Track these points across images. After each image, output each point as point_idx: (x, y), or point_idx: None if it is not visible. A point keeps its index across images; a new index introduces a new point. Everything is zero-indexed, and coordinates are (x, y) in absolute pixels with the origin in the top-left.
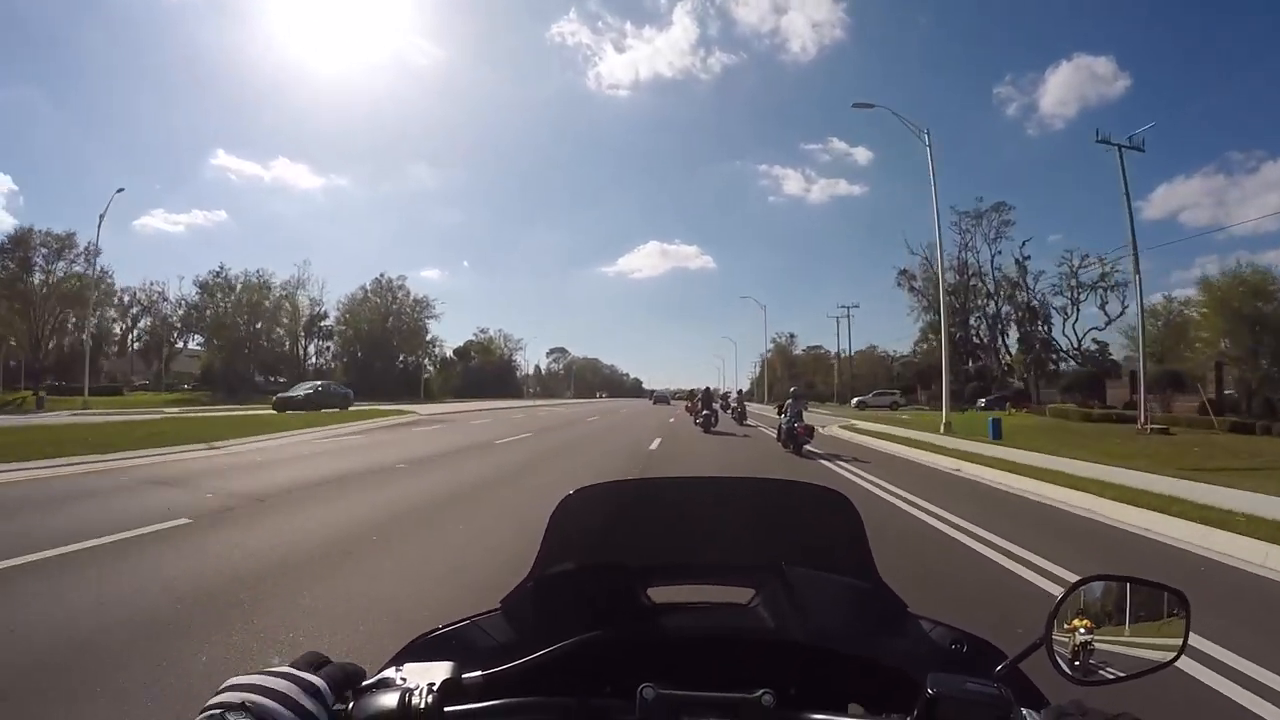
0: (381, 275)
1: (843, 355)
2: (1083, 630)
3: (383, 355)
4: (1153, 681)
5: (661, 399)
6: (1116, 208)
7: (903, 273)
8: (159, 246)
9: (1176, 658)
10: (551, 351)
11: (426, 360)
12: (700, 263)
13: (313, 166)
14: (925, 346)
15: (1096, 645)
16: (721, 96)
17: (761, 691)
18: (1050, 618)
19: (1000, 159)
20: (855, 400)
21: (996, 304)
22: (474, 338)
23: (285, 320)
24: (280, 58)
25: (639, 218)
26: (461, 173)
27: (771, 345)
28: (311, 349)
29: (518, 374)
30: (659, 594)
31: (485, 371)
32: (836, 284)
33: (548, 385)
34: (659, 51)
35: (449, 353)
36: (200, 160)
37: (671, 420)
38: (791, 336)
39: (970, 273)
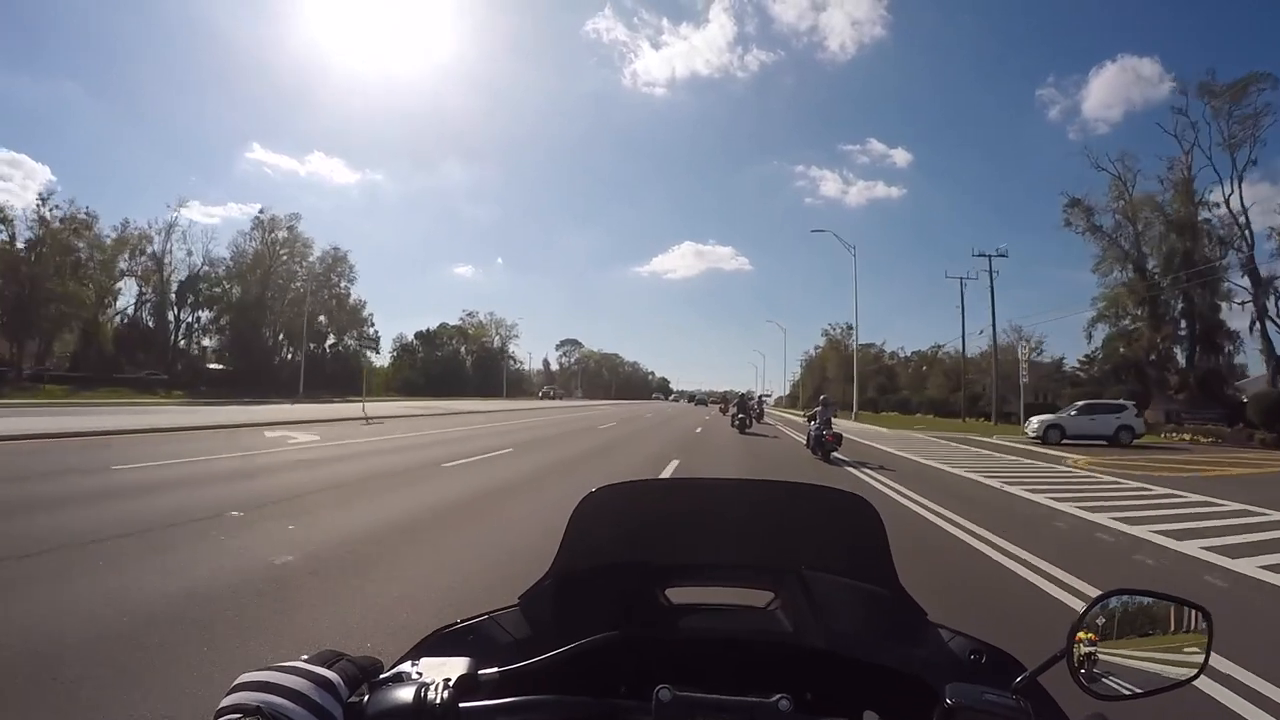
0: (262, 212)
1: (954, 353)
2: (1104, 644)
3: (259, 335)
4: (1172, 698)
5: (701, 402)
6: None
7: (1073, 204)
8: (196, 238)
9: (1197, 675)
10: (562, 344)
11: (359, 344)
12: (736, 264)
13: (348, 162)
14: (1118, 327)
15: (1117, 660)
16: (758, 95)
17: (778, 697)
18: (1071, 631)
19: (1043, 157)
20: (1037, 423)
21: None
22: (460, 321)
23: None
24: (315, 53)
25: (674, 218)
26: (496, 170)
27: (824, 339)
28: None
29: (516, 367)
30: (677, 595)
31: (457, 362)
32: (875, 287)
33: (564, 383)
34: (696, 49)
35: (410, 337)
36: (236, 154)
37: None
38: (848, 328)
39: (1200, 200)
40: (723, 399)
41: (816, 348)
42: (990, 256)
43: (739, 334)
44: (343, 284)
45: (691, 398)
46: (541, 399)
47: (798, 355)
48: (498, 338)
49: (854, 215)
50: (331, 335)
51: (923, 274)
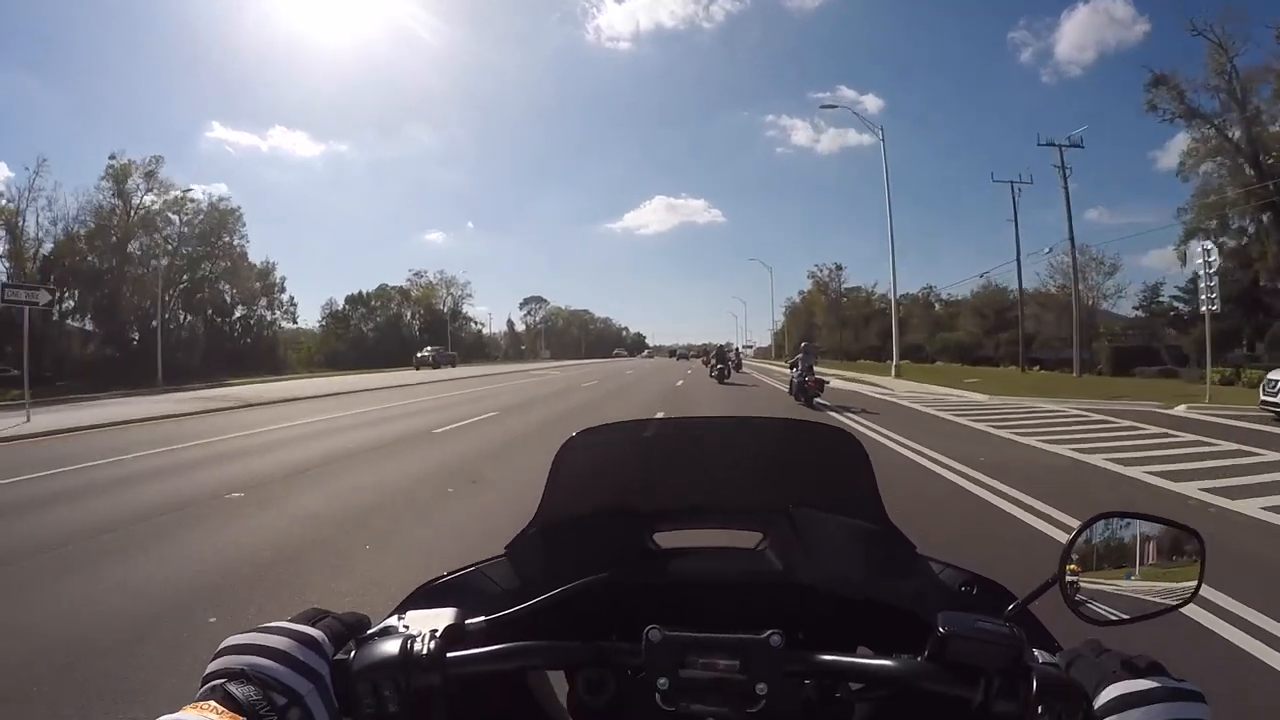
0: (113, 159)
1: (987, 286)
2: (1095, 571)
3: (128, 311)
4: (1165, 621)
5: (682, 355)
6: (1135, 151)
7: (1158, 84)
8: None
9: (1191, 598)
10: (526, 302)
11: (272, 312)
12: (709, 216)
13: (311, 134)
14: (1238, 243)
15: (1109, 585)
16: (725, 46)
17: (770, 632)
18: (1063, 556)
19: (1017, 103)
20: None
21: None
22: (407, 282)
23: None
24: (271, 25)
25: (645, 173)
26: (463, 134)
27: (810, 282)
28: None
29: (476, 330)
30: (665, 538)
31: (400, 328)
32: (851, 234)
33: (530, 343)
34: (659, 1)
35: (340, 304)
36: (195, 133)
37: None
38: (838, 268)
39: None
40: (703, 351)
41: (802, 293)
42: (1061, 146)
43: (716, 285)
44: (234, 241)
45: (672, 352)
46: (418, 369)
47: (780, 302)
48: (449, 298)
49: (826, 163)
50: (241, 306)
51: (899, 220)
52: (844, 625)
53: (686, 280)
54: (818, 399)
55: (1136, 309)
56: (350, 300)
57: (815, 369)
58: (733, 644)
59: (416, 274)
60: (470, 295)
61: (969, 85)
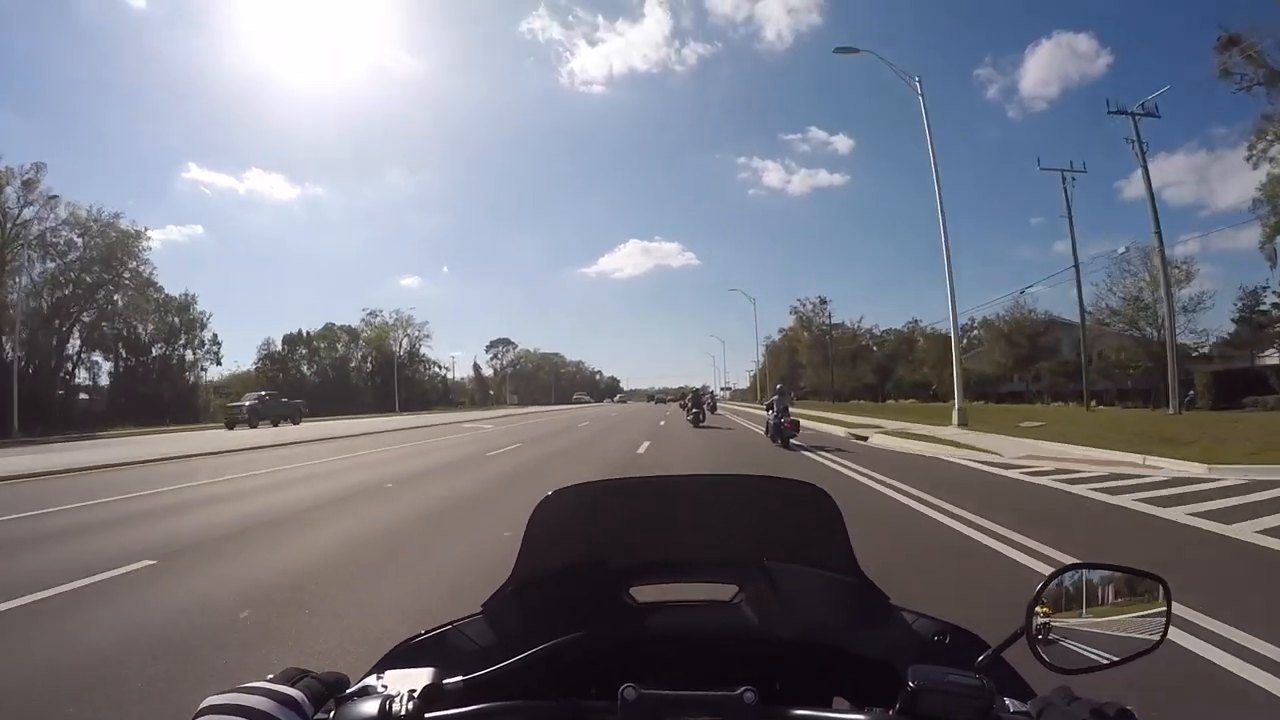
0: None
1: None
2: (1064, 618)
3: None
4: (1136, 667)
5: (660, 400)
6: (1101, 182)
7: (1231, 44)
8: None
9: (1159, 643)
10: (492, 345)
11: (193, 352)
12: (683, 260)
13: (288, 176)
14: None
15: (1077, 633)
16: (698, 89)
17: (743, 689)
18: (1030, 607)
19: (984, 141)
20: None
21: None
22: (361, 322)
23: None
24: (248, 68)
25: (618, 216)
26: (438, 178)
27: (791, 319)
28: None
29: (441, 375)
30: (641, 593)
31: (347, 371)
32: (823, 274)
33: (496, 388)
34: (633, 45)
35: (277, 343)
36: (171, 174)
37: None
38: (822, 302)
39: None
40: (680, 395)
41: (783, 330)
42: (1135, 115)
43: (692, 328)
44: (138, 267)
45: (650, 396)
46: (230, 428)
47: (761, 340)
48: (404, 340)
49: (797, 204)
50: (161, 344)
51: (874, 257)
52: (819, 677)
53: (662, 323)
54: (793, 440)
55: (1234, 320)
56: (289, 340)
57: (792, 411)
58: (707, 701)
59: (371, 313)
60: (428, 336)
61: (935, 123)
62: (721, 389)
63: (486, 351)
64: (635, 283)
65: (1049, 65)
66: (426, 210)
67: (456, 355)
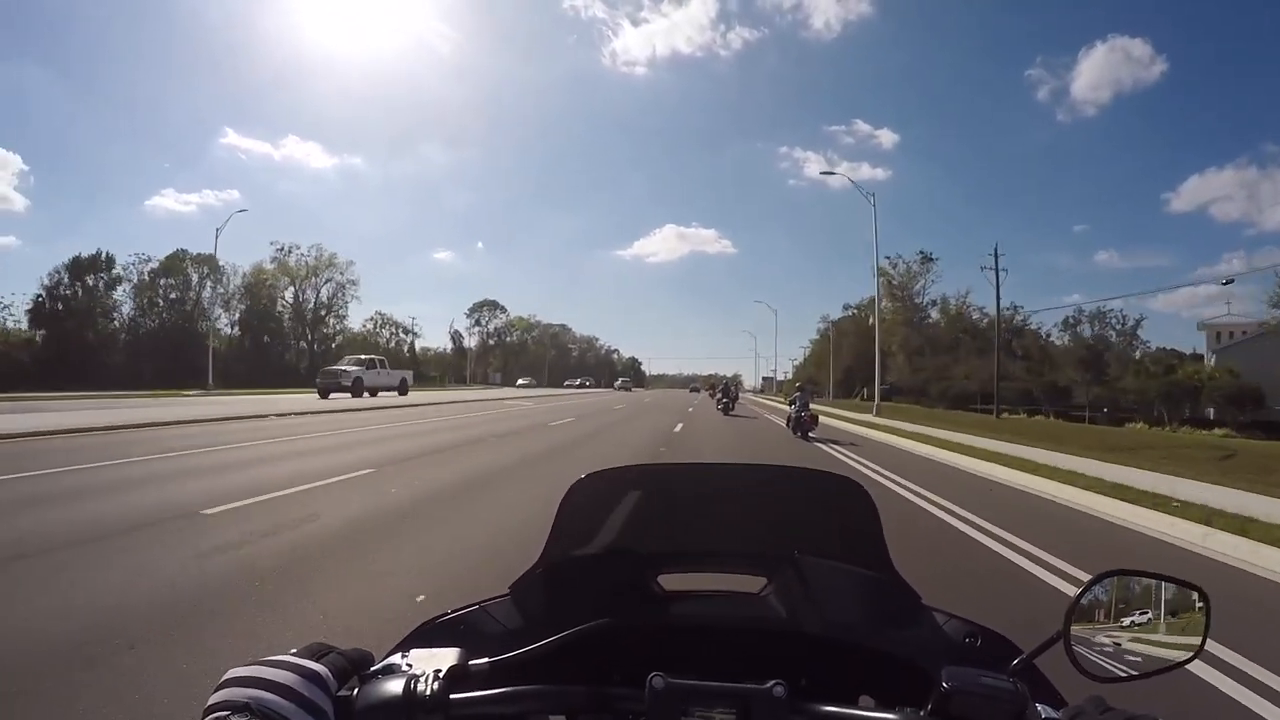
0: None
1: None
2: (1100, 626)
3: None
4: (1171, 679)
5: (695, 389)
6: (1148, 192)
7: None
8: (171, 226)
9: (1195, 655)
10: (474, 309)
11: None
12: (719, 247)
13: (325, 146)
14: None
15: (1114, 641)
16: (741, 75)
17: (773, 683)
18: (1068, 612)
19: (1031, 141)
20: None
21: None
22: (270, 260)
23: None
24: (289, 35)
25: (655, 200)
26: (475, 153)
27: (846, 314)
28: None
29: (410, 341)
30: (669, 582)
31: (184, 335)
32: (861, 270)
33: (479, 363)
34: (677, 26)
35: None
36: (209, 140)
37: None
38: (926, 259)
39: None
40: (710, 385)
41: (848, 309)
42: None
43: (724, 316)
44: None
45: (691, 387)
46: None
47: (791, 339)
48: (323, 286)
49: (838, 197)
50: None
51: (908, 253)
52: (847, 675)
53: (693, 309)
54: (811, 434)
55: None
56: (79, 268)
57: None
58: (736, 693)
59: (280, 249)
60: (354, 282)
61: (982, 122)
62: (764, 378)
63: (469, 316)
64: (670, 268)
65: (1101, 69)
66: (462, 185)
67: (417, 318)
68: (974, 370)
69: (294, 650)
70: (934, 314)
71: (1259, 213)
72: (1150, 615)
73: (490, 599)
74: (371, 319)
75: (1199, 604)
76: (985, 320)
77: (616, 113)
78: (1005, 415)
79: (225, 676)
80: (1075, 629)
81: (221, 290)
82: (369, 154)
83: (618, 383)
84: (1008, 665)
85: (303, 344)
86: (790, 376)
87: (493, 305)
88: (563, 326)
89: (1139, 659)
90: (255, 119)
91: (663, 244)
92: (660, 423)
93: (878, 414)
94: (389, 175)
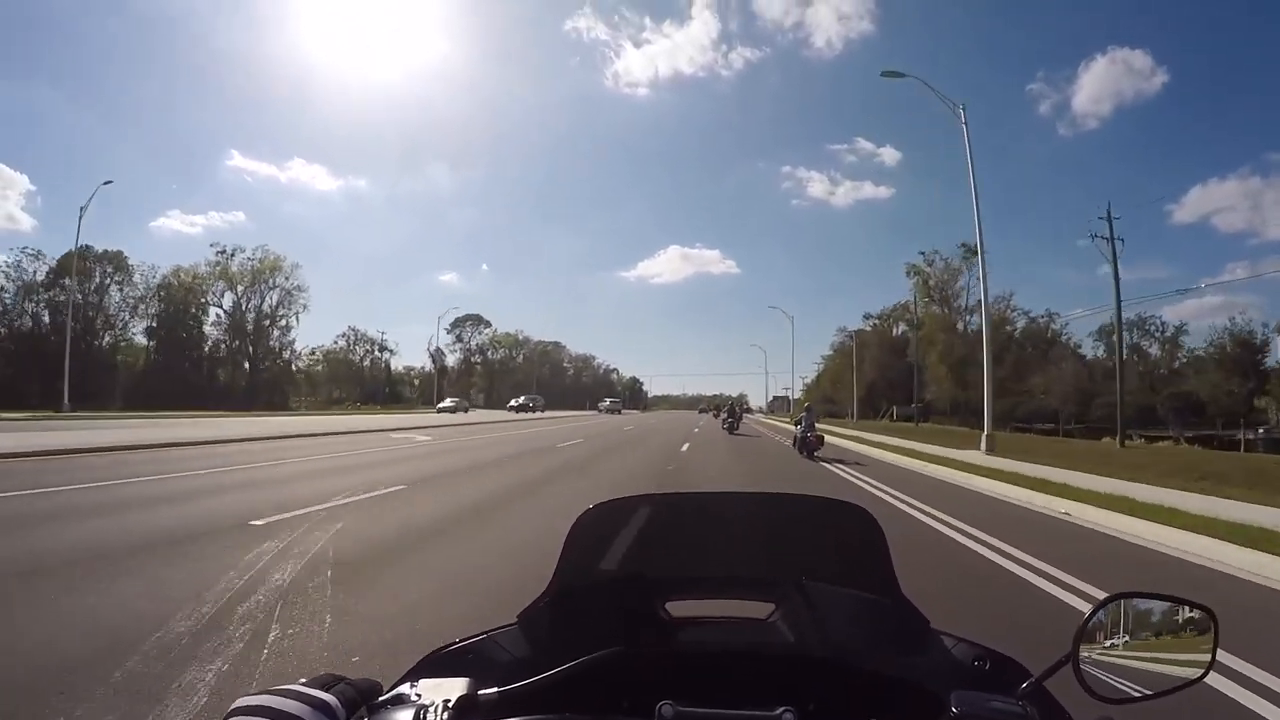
0: None
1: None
2: (1109, 647)
3: None
4: (1178, 698)
5: (704, 410)
6: (1150, 204)
7: None
8: (177, 248)
9: (1204, 675)
10: (456, 324)
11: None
12: (723, 267)
13: (330, 168)
14: None
15: (1123, 663)
16: (743, 95)
17: (782, 709)
18: (1077, 635)
19: (1033, 156)
20: None
21: None
22: (211, 263)
23: None
24: (294, 58)
25: (659, 221)
26: (479, 174)
27: (911, 283)
28: None
29: (385, 358)
30: (677, 609)
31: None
32: (866, 290)
33: (459, 385)
34: (678, 47)
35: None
36: (215, 161)
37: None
38: (970, 254)
39: None
40: (715, 406)
41: (869, 320)
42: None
43: (729, 337)
44: None
45: (700, 408)
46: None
47: (798, 359)
48: (272, 293)
49: (841, 216)
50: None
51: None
52: (855, 700)
53: (698, 330)
54: (817, 453)
55: None
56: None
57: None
58: None
59: (223, 252)
60: (301, 289)
61: (984, 137)
62: (775, 397)
63: (449, 332)
64: (674, 289)
65: (1103, 82)
66: (467, 207)
67: (388, 334)
68: (1049, 383)
69: (303, 680)
70: (975, 320)
71: (1262, 223)
72: (1158, 636)
73: (498, 628)
74: (344, 335)
75: (1206, 624)
76: (1022, 326)
77: (619, 134)
78: (1134, 442)
79: (234, 705)
80: (1084, 651)
81: (130, 293)
82: (374, 176)
83: (604, 404)
84: (1017, 689)
85: (244, 360)
86: (801, 396)
87: (476, 320)
88: (556, 344)
89: (1148, 680)
90: (261, 141)
91: (667, 265)
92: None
93: (989, 449)
94: (394, 197)
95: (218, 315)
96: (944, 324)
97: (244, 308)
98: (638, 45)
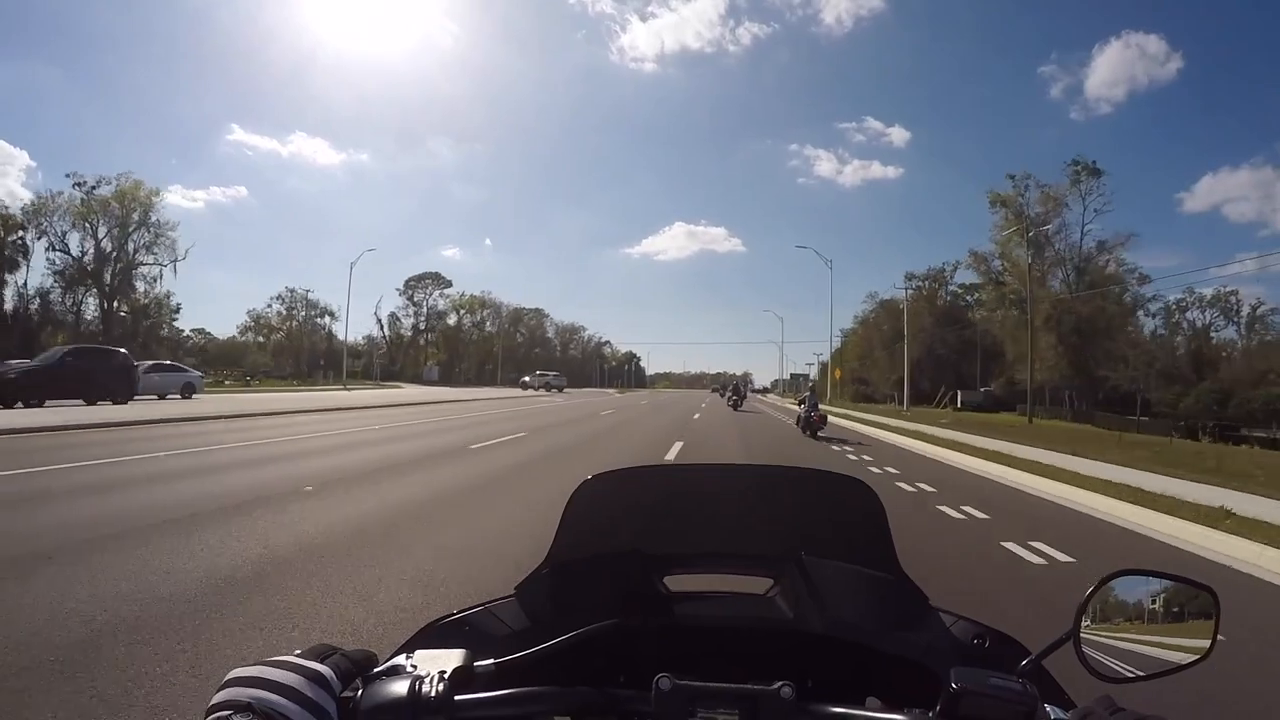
0: None
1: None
2: (1109, 626)
3: None
4: (1181, 679)
5: (718, 389)
6: (1161, 192)
7: None
8: (181, 222)
9: (1205, 656)
10: (413, 282)
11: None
12: (729, 245)
13: (332, 142)
14: None
15: (1123, 642)
16: (751, 71)
17: (780, 684)
18: (1078, 613)
19: (1044, 138)
20: None
21: None
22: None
23: None
24: (295, 31)
25: (664, 198)
26: (483, 149)
27: (997, 215)
28: None
29: (325, 327)
30: (675, 583)
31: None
32: (871, 269)
33: (410, 353)
34: (685, 21)
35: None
36: (216, 136)
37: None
38: (1088, 168)
39: None
40: (721, 385)
41: (912, 281)
42: None
43: (732, 314)
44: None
45: (714, 388)
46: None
47: (802, 342)
48: (134, 232)
49: (849, 195)
50: None
51: (919, 253)
52: (854, 676)
53: (703, 307)
54: (820, 432)
55: None
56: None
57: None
58: (742, 694)
59: (81, 184)
60: (172, 228)
61: (995, 119)
62: (793, 375)
63: (402, 294)
64: (679, 266)
65: (1116, 66)
66: (470, 182)
67: (335, 303)
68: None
69: (298, 651)
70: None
71: (1273, 212)
72: (1159, 615)
73: (496, 600)
74: (280, 296)
75: (1208, 605)
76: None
77: (625, 109)
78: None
79: (228, 676)
80: (1085, 630)
81: None
82: (376, 150)
83: (530, 378)
84: (1016, 666)
85: (89, 310)
86: (816, 375)
87: (435, 279)
88: (537, 310)
89: (1148, 660)
90: (262, 115)
91: (671, 242)
92: None
93: None
94: (397, 171)
95: (51, 261)
96: (1040, 279)
97: (88, 252)
98: (644, 19)
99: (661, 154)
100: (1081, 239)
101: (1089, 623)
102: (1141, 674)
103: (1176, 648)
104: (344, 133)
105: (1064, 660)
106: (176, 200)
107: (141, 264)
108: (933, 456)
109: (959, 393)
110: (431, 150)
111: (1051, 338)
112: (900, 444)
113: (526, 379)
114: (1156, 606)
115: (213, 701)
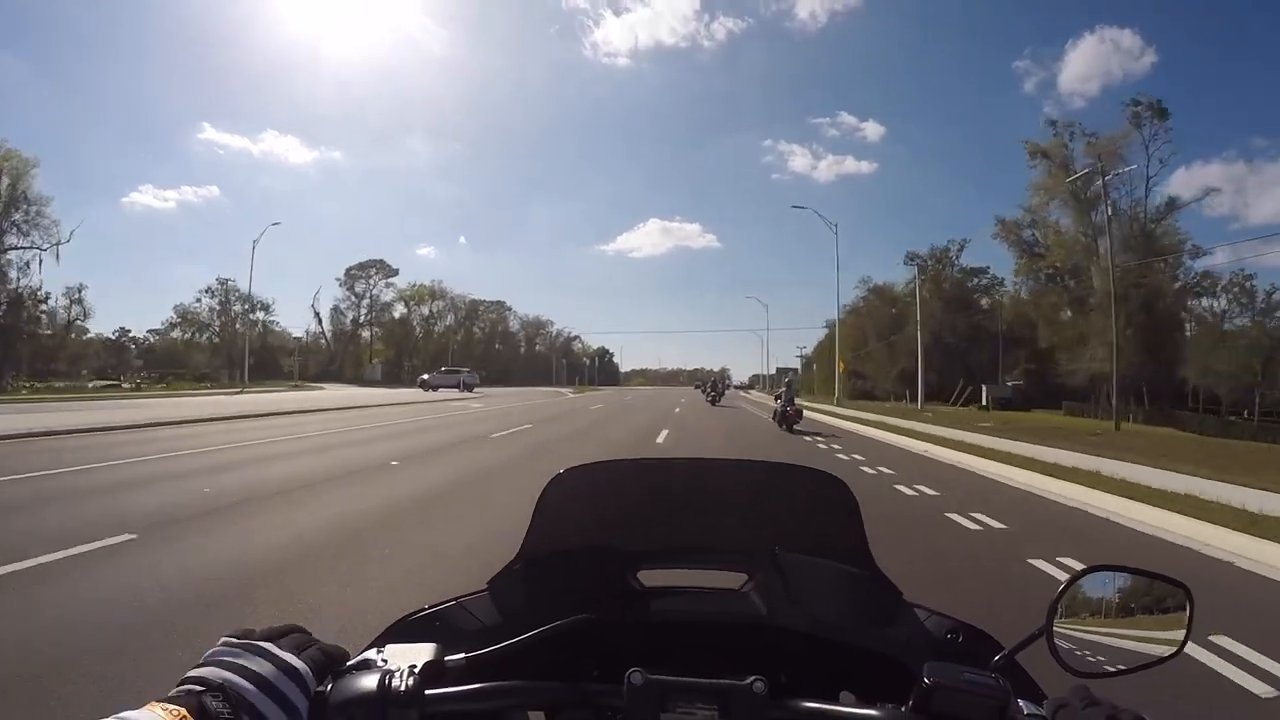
0: None
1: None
2: (1083, 621)
3: None
4: (1155, 674)
5: (699, 385)
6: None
7: None
8: (150, 223)
9: (1178, 651)
10: (350, 274)
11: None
12: (704, 241)
13: (304, 140)
14: None
15: (1097, 637)
16: (725, 66)
17: (752, 679)
18: (1051, 608)
19: (1018, 132)
20: None
21: None
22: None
23: None
24: (265, 27)
25: (639, 194)
26: (457, 146)
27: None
28: None
29: (261, 321)
30: (649, 578)
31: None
32: (847, 265)
33: (355, 353)
34: (659, 16)
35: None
36: (186, 134)
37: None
38: (1151, 105)
39: None
40: (701, 381)
41: (916, 259)
42: None
43: (709, 311)
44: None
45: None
46: None
47: (782, 333)
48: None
49: (823, 191)
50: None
51: (894, 250)
52: (827, 671)
53: (679, 303)
54: (796, 426)
55: None
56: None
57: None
58: (715, 689)
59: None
60: (44, 201)
61: (969, 114)
62: (779, 369)
63: (343, 284)
64: (654, 263)
65: (1090, 60)
66: (443, 179)
67: (271, 296)
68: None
69: (278, 639)
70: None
71: (1245, 207)
72: (1133, 610)
73: (468, 595)
74: (209, 289)
75: (1182, 600)
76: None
77: (598, 105)
78: None
79: (209, 652)
80: (1058, 625)
81: None
82: (349, 148)
83: (429, 376)
84: (990, 661)
85: None
86: (798, 369)
87: (379, 267)
88: (498, 303)
89: (1122, 655)
90: (233, 113)
91: (646, 238)
92: None
93: None
94: (370, 169)
95: None
96: (1085, 245)
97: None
98: (618, 13)
99: (635, 149)
100: (1147, 195)
101: (1063, 618)
102: (1115, 668)
103: (1150, 642)
104: (317, 130)
105: (1041, 656)
106: (148, 200)
107: (11, 248)
108: (1058, 498)
109: (985, 387)
110: (404, 147)
111: (1116, 319)
112: (975, 468)
113: (426, 377)
114: (1130, 602)
115: (189, 674)
